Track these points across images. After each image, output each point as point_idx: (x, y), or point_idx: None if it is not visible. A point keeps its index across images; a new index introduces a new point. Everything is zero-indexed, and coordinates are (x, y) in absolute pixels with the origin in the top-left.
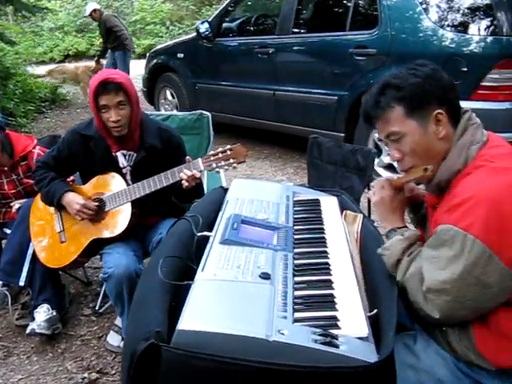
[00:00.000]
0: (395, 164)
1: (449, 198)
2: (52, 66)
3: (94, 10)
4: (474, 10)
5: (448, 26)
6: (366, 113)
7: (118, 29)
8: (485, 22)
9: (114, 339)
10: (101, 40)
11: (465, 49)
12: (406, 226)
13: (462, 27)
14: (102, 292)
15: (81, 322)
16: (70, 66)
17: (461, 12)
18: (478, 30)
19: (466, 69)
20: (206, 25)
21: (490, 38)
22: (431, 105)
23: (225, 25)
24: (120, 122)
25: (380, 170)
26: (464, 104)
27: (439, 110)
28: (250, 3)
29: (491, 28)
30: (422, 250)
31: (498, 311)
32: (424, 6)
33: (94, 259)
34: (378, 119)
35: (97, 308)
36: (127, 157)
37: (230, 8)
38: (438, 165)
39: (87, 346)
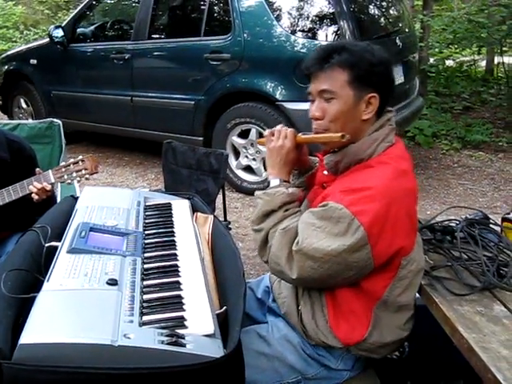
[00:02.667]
0: (253, 165)
1: (346, 180)
2: None
3: None
4: (321, 18)
5: (298, 32)
6: (313, 63)
7: None
8: (331, 29)
9: None
10: None
11: None
12: (289, 182)
13: (311, 33)
14: None
15: None
16: None
17: (309, 20)
18: (326, 36)
19: None
20: (60, 30)
21: None
22: (371, 87)
23: (80, 30)
24: None
25: (239, 172)
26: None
27: (374, 94)
28: (106, 8)
29: (336, 34)
30: (299, 210)
31: (347, 291)
32: (276, 13)
33: None
34: (322, 72)
35: None
36: None
37: (84, 12)
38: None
39: None
